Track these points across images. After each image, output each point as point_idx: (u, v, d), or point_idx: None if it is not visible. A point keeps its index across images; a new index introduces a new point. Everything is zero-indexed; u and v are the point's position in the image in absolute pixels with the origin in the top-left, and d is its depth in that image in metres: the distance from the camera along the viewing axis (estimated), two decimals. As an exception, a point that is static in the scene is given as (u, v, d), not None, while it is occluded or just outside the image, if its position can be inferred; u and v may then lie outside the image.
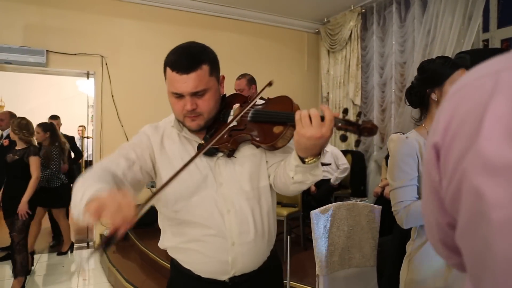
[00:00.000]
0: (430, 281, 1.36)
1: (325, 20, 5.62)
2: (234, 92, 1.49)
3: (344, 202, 2.06)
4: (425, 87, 1.46)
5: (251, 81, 3.29)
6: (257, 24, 5.43)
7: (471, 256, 0.43)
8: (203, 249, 1.13)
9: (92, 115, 5.12)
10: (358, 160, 4.95)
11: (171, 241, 1.20)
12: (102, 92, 4.55)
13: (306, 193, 4.10)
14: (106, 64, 4.54)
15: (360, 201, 2.82)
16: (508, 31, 3.67)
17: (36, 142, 3.54)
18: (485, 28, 3.79)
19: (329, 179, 4.21)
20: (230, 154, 1.14)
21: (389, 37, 4.70)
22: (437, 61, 1.46)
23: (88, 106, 5.41)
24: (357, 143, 1.01)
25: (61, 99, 7.97)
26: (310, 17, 5.62)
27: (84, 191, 0.92)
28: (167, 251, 1.24)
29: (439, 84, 1.41)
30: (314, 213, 1.94)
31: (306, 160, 1.02)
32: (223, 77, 1.18)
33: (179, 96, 1.07)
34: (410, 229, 1.53)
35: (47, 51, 4.24)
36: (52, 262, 4.18)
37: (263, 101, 1.18)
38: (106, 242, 0.83)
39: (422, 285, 1.39)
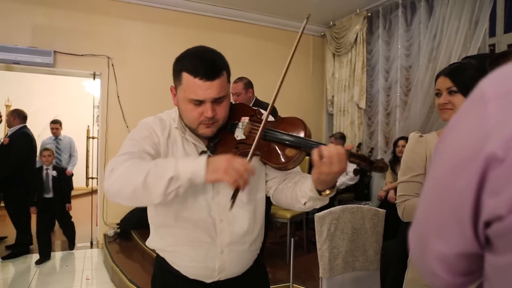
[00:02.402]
0: None
1: (331, 23, 5.62)
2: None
3: (348, 205, 2.06)
4: None
5: (248, 84, 3.28)
6: (263, 27, 5.44)
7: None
8: (192, 253, 1.14)
9: (98, 116, 5.16)
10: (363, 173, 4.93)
11: (160, 243, 1.21)
12: (108, 92, 4.58)
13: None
14: (112, 65, 4.57)
15: (364, 204, 2.82)
16: (514, 36, 3.65)
17: None
18: (492, 32, 3.78)
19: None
20: None
21: (395, 41, 4.70)
22: None
23: (93, 106, 5.45)
24: (368, 178, 1.05)
25: (67, 99, 8.03)
26: (316, 20, 5.63)
27: (165, 162, 0.95)
28: (156, 250, 1.25)
29: None
30: (318, 216, 1.95)
31: (323, 192, 1.04)
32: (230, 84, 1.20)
33: (199, 102, 1.05)
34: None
35: (55, 51, 4.27)
36: (55, 260, 4.20)
37: (273, 119, 1.17)
38: (233, 197, 0.95)
39: (420, 283, 1.42)
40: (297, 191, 1.10)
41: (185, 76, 1.04)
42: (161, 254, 1.22)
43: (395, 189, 3.79)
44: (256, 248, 1.24)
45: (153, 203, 0.97)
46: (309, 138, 1.06)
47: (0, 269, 3.91)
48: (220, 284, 1.17)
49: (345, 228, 2.00)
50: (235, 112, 1.19)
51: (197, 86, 1.03)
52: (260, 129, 1.06)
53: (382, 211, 2.11)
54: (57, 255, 4.37)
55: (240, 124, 1.16)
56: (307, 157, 1.07)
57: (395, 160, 4.07)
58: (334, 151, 0.93)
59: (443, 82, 1.42)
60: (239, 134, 1.14)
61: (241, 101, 3.24)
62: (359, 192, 4.76)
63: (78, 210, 5.21)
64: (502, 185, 0.37)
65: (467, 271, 0.48)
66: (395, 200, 1.50)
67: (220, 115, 1.09)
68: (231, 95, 1.19)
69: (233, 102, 1.23)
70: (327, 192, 1.04)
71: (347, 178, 4.20)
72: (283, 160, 1.06)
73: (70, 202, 4.43)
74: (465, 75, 1.38)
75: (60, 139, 5.49)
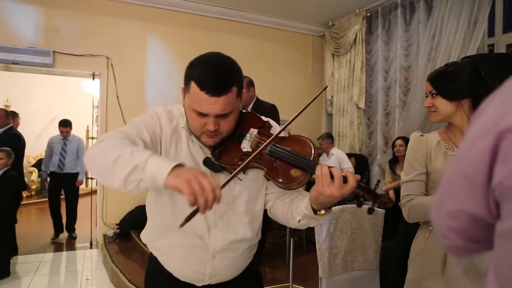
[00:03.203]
0: (426, 282, 1.40)
1: (330, 23, 5.63)
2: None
3: (348, 205, 2.06)
4: None
5: (250, 83, 3.27)
6: (262, 27, 5.44)
7: None
8: (184, 256, 1.14)
9: (97, 116, 5.15)
10: (361, 164, 4.94)
11: (153, 241, 1.21)
12: (107, 93, 4.58)
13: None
14: (111, 65, 4.57)
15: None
16: (513, 36, 3.66)
17: None
18: (491, 33, 3.79)
19: None
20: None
21: (394, 41, 4.70)
22: None
23: (93, 107, 5.45)
24: (370, 211, 0.99)
25: (66, 99, 8.03)
26: (315, 21, 5.63)
27: (141, 152, 0.89)
28: (148, 246, 1.24)
29: None
30: (317, 215, 1.94)
31: (319, 212, 1.03)
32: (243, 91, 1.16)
33: (202, 114, 1.03)
34: (413, 233, 1.55)
35: (54, 52, 4.27)
36: (55, 261, 4.20)
37: (283, 135, 1.15)
38: (188, 218, 0.85)
39: (419, 285, 1.44)
40: (293, 208, 1.09)
41: (193, 85, 1.01)
42: (154, 252, 1.22)
43: (394, 189, 3.79)
44: (250, 255, 1.24)
45: (113, 187, 0.91)
46: (316, 160, 1.05)
47: (-1, 270, 3.90)
48: (211, 286, 1.17)
49: (345, 228, 2.01)
50: (245, 121, 1.17)
51: (202, 100, 1.00)
52: (264, 144, 1.04)
53: (381, 211, 2.11)
54: (56, 255, 4.37)
55: (248, 135, 1.13)
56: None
57: (394, 160, 4.08)
58: (326, 171, 0.93)
59: (427, 86, 1.47)
60: (245, 146, 1.12)
61: (243, 99, 3.22)
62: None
63: (78, 210, 5.21)
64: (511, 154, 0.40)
65: (475, 238, 0.51)
66: (394, 200, 1.51)
67: (224, 128, 1.07)
68: (241, 104, 1.15)
69: (243, 111, 1.21)
70: (323, 212, 1.03)
71: None
72: (287, 180, 1.05)
73: (13, 222, 3.82)
74: (445, 79, 1.41)
75: (68, 139, 5.08)
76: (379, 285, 2.10)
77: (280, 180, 1.06)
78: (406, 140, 3.93)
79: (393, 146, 4.06)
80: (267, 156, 1.08)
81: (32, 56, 4.15)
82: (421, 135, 1.51)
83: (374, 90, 5.06)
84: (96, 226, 4.67)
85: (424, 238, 1.46)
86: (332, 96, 5.74)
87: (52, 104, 7.94)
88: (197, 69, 1.01)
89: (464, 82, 1.37)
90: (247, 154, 1.10)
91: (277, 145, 1.08)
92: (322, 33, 5.84)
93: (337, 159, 4.28)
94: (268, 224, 3.73)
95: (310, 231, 3.47)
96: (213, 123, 1.02)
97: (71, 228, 5.07)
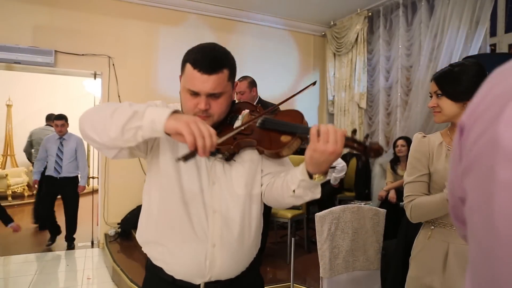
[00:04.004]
0: (426, 279, 1.43)
1: (332, 23, 5.62)
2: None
3: (349, 205, 2.06)
4: None
5: (252, 83, 3.28)
6: (264, 27, 5.44)
7: (474, 231, 0.43)
8: (182, 246, 1.12)
9: (99, 115, 5.15)
10: (362, 164, 4.94)
11: (149, 234, 1.20)
12: (109, 92, 4.59)
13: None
14: (113, 65, 4.58)
15: (364, 204, 2.81)
16: (515, 36, 3.65)
17: None
18: (493, 32, 3.78)
19: (328, 180, 4.23)
20: (230, 157, 1.14)
21: (396, 41, 4.70)
22: None
23: (94, 106, 5.45)
24: (362, 163, 1.04)
25: (68, 99, 8.04)
26: (317, 20, 5.63)
27: (136, 105, 0.97)
28: (144, 246, 1.24)
29: None
30: (318, 215, 1.95)
31: (314, 176, 1.03)
32: (236, 83, 1.19)
33: (195, 94, 1.08)
34: (415, 233, 1.56)
35: (56, 51, 4.28)
36: (56, 260, 4.21)
37: (272, 113, 1.19)
38: (186, 156, 0.92)
39: (419, 282, 1.47)
40: (287, 179, 1.10)
41: (187, 66, 1.08)
42: (151, 251, 1.21)
43: (395, 189, 3.79)
44: (250, 249, 1.21)
45: (108, 137, 0.96)
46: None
47: (0, 268, 3.92)
48: (210, 287, 1.15)
49: (346, 228, 2.01)
50: (238, 109, 1.22)
51: (195, 78, 1.05)
52: (257, 115, 1.09)
53: (383, 210, 2.11)
54: (57, 254, 4.38)
55: (240, 116, 1.18)
56: (301, 157, 1.06)
57: (396, 160, 4.07)
58: (332, 129, 0.95)
59: (432, 86, 1.48)
60: (237, 124, 1.16)
61: (245, 99, 3.24)
62: (359, 192, 4.77)
63: (79, 209, 5.22)
64: (465, 142, 0.44)
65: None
66: (396, 200, 1.52)
67: (215, 110, 1.10)
68: (234, 94, 1.18)
69: (237, 101, 1.24)
70: (318, 176, 1.03)
71: (336, 172, 4.26)
72: (277, 145, 1.08)
73: None
74: (451, 80, 1.41)
75: (64, 138, 4.51)
76: (380, 285, 2.10)
77: (270, 147, 1.10)
78: (407, 140, 3.92)
79: (395, 146, 4.06)
80: (258, 130, 1.13)
81: (33, 56, 4.16)
82: (424, 136, 1.52)
83: (375, 90, 5.06)
84: (97, 225, 4.68)
85: (425, 237, 1.48)
86: (333, 96, 5.73)
87: (53, 104, 7.94)
88: (192, 53, 1.09)
89: (469, 83, 1.37)
90: (240, 132, 1.13)
91: (267, 117, 1.13)
92: (323, 33, 5.83)
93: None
94: (270, 224, 3.74)
95: (312, 231, 3.47)
96: (204, 101, 1.07)
97: (70, 238, 4.60)
